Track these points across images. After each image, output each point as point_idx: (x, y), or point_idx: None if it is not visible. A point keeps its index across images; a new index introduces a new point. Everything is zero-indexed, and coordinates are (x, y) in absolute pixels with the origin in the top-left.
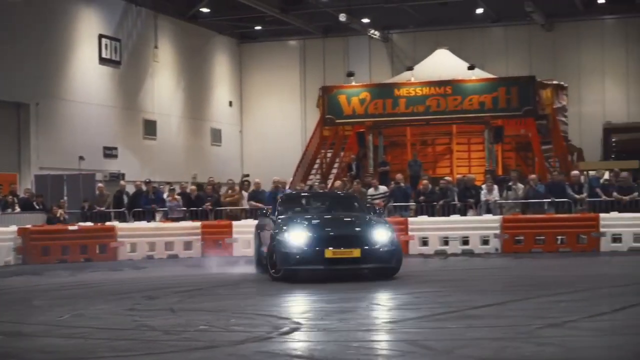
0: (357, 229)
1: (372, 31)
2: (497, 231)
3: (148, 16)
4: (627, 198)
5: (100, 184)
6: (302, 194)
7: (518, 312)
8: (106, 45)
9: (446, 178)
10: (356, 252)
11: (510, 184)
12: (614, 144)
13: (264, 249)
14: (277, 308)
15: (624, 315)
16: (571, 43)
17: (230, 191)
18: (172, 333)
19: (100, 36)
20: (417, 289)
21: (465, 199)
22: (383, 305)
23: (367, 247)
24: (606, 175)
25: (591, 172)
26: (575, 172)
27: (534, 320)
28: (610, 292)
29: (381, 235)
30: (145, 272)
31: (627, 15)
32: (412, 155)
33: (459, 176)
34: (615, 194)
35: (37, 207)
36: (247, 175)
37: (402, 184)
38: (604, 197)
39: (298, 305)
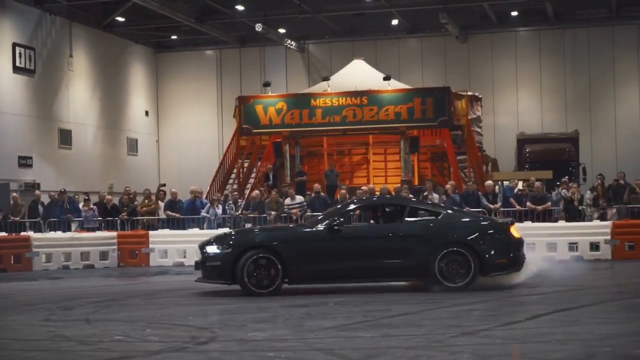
0: (209, 241)
1: (289, 41)
2: None
3: (63, 25)
4: (540, 208)
5: (14, 194)
6: None
7: (433, 321)
8: (20, 53)
9: (363, 188)
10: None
11: (425, 193)
12: (527, 155)
13: None
14: (193, 318)
15: (536, 323)
16: (485, 54)
17: (146, 201)
18: (87, 343)
19: (14, 45)
20: (333, 299)
21: None
22: (300, 314)
23: (198, 260)
24: (520, 185)
25: (505, 182)
26: (490, 182)
27: (448, 329)
28: (524, 300)
29: (211, 249)
30: (61, 282)
31: (539, 28)
32: (329, 165)
33: (371, 186)
34: (529, 203)
35: None
36: (164, 185)
37: (322, 193)
38: (517, 207)
39: (215, 315)
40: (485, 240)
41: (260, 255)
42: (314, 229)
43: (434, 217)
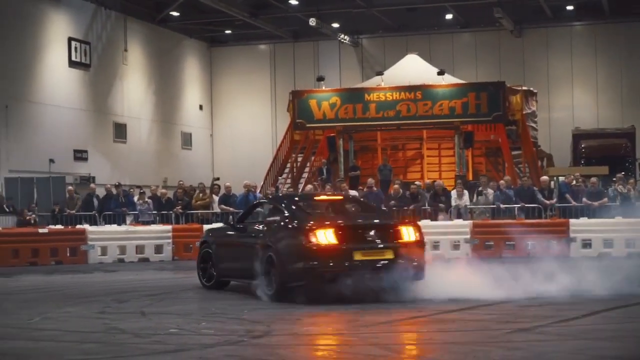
0: None
1: (342, 36)
2: (467, 236)
3: (117, 19)
4: (597, 203)
5: (70, 187)
6: None
7: (488, 316)
8: (76, 48)
9: (416, 183)
10: None
11: (480, 189)
12: (583, 150)
13: None
14: (248, 312)
15: (592, 320)
16: (540, 49)
17: (201, 195)
18: (142, 336)
19: (70, 39)
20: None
21: (436, 203)
22: (354, 309)
23: None
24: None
25: (561, 178)
26: (545, 177)
27: (503, 325)
28: (579, 297)
29: None
30: (116, 275)
31: (595, 22)
32: (383, 160)
33: (427, 181)
34: (584, 199)
35: (8, 209)
36: (218, 179)
37: (375, 188)
38: (573, 203)
39: (269, 309)
40: (286, 245)
41: (205, 250)
42: (226, 226)
43: (278, 218)
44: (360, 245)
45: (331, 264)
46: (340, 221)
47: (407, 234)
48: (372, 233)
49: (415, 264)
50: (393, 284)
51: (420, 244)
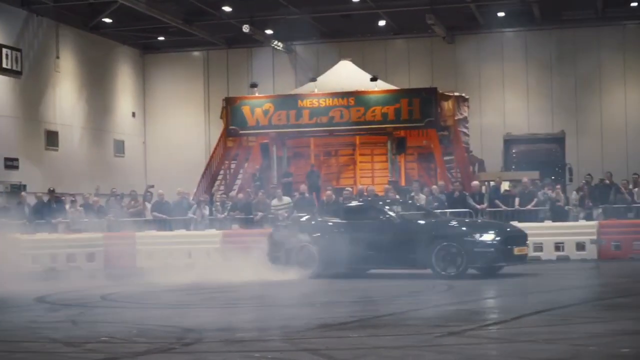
0: None
1: (276, 42)
2: None
3: (49, 26)
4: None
5: None
6: None
7: (419, 320)
8: (7, 55)
9: (348, 189)
10: None
11: (412, 194)
12: (514, 155)
13: None
14: (181, 320)
15: (521, 323)
16: (472, 55)
17: (132, 202)
18: (73, 345)
19: (0, 46)
20: (319, 299)
21: None
22: (285, 313)
23: None
24: (505, 186)
25: (492, 183)
26: (476, 182)
27: (434, 328)
28: (508, 301)
29: None
30: (48, 283)
31: (526, 29)
32: (311, 166)
33: (360, 187)
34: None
35: None
36: (152, 186)
37: (306, 194)
38: (503, 207)
39: (204, 316)
40: None
41: None
42: None
43: None
44: None
45: None
46: None
47: None
48: None
49: None
50: None
51: None
